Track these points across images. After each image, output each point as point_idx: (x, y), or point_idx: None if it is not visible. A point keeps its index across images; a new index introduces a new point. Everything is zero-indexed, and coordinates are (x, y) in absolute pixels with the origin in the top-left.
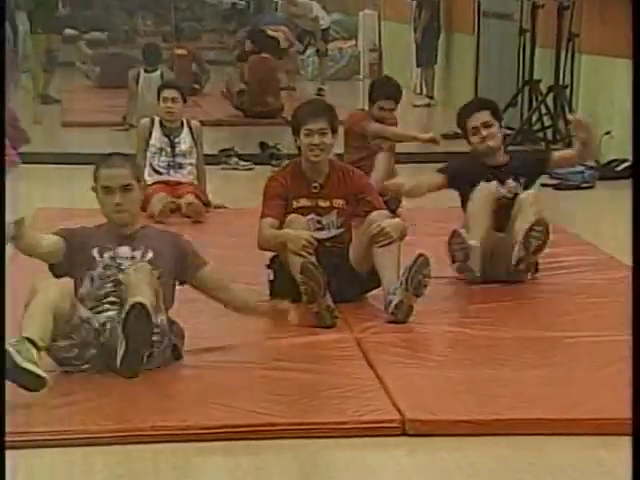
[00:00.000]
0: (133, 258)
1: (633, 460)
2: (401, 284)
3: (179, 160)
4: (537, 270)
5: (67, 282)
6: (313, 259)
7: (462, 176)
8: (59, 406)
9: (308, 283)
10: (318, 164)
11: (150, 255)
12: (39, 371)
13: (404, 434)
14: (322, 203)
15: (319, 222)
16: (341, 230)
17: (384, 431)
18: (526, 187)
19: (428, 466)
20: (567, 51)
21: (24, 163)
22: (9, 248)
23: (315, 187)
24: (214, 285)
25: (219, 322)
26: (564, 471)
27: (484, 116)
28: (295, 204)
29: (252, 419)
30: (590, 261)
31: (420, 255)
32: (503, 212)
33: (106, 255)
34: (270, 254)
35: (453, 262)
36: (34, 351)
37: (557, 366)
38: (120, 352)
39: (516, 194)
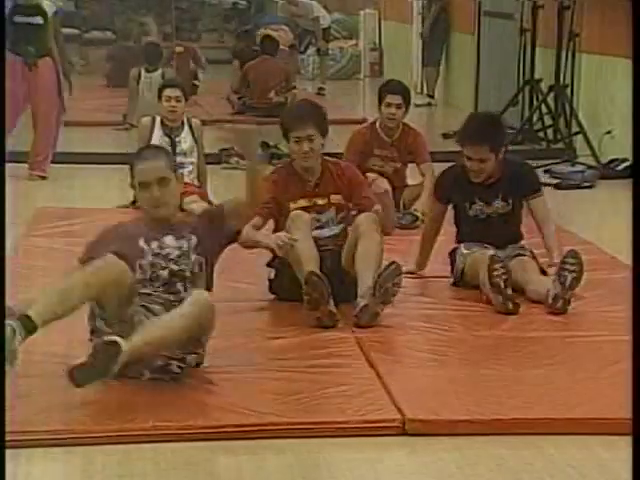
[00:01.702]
0: (180, 248)
1: (633, 460)
2: (369, 289)
3: (180, 159)
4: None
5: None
6: (316, 268)
7: (450, 192)
8: (59, 405)
9: (312, 294)
10: (311, 166)
11: (194, 241)
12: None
13: (404, 434)
14: (320, 201)
15: (318, 220)
16: (341, 226)
17: (384, 431)
18: (514, 207)
19: (428, 466)
20: (568, 50)
21: (24, 162)
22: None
23: (310, 186)
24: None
25: (219, 322)
26: (564, 471)
27: (481, 152)
28: (293, 205)
29: (253, 418)
30: (590, 261)
31: (392, 262)
32: (492, 229)
33: (154, 244)
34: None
35: (452, 271)
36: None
37: (557, 366)
38: (80, 360)
39: (503, 213)
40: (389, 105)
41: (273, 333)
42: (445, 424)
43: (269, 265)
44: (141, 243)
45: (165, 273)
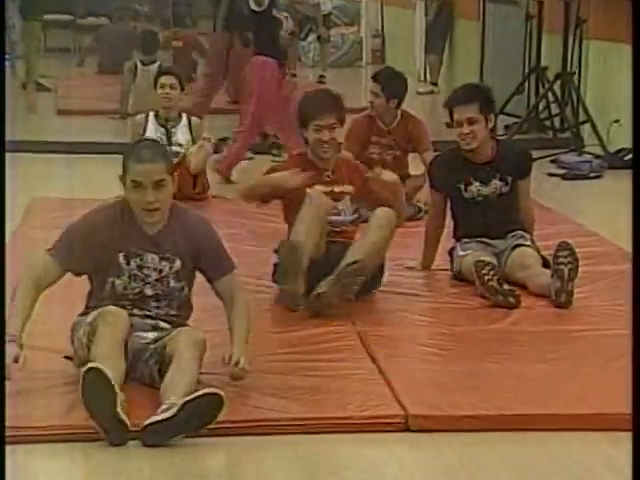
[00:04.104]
0: (161, 271)
1: (633, 457)
2: (331, 279)
3: (175, 149)
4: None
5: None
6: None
7: (445, 177)
8: (58, 402)
9: (287, 257)
10: (328, 157)
11: (177, 266)
12: (128, 422)
13: (407, 430)
14: (336, 188)
15: (335, 207)
16: (355, 216)
17: (387, 427)
18: (512, 187)
19: (431, 462)
20: (575, 37)
21: (18, 151)
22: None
23: (328, 175)
24: (231, 295)
25: (218, 316)
26: (569, 468)
27: (470, 111)
28: (309, 191)
29: (252, 414)
30: (597, 252)
31: (356, 261)
32: (490, 214)
33: (133, 263)
34: (275, 245)
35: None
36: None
37: (562, 360)
38: (158, 417)
39: (501, 193)
40: (371, 92)
41: (273, 327)
42: (448, 420)
43: (276, 251)
44: (120, 259)
45: (136, 296)
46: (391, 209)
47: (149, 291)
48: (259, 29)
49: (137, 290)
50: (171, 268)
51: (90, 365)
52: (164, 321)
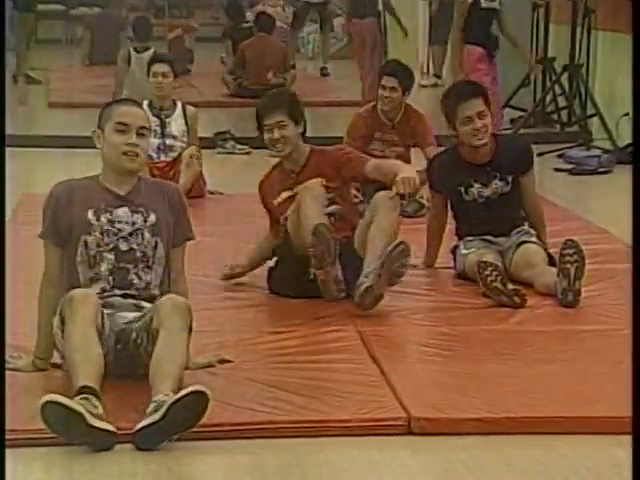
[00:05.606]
0: (134, 224)
1: (633, 459)
2: (375, 269)
3: (169, 142)
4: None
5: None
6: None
7: (444, 178)
8: None
9: (317, 246)
10: (291, 155)
11: (152, 219)
12: (109, 427)
13: (410, 433)
14: (301, 188)
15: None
16: (335, 207)
17: (389, 429)
18: (513, 186)
19: (434, 466)
20: (583, 28)
21: (8, 146)
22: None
23: (292, 177)
24: (176, 269)
25: (217, 315)
26: (578, 472)
27: (478, 105)
28: (277, 202)
29: (250, 417)
30: (605, 250)
31: (401, 242)
32: (492, 214)
33: (103, 218)
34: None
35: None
36: (99, 403)
37: (570, 361)
38: (147, 421)
39: (503, 193)
40: (383, 87)
41: (272, 327)
42: (452, 423)
43: (273, 252)
44: (89, 215)
45: (111, 255)
46: (393, 192)
47: (123, 246)
48: (472, 20)
49: (111, 246)
50: (145, 221)
51: (45, 399)
52: (145, 300)
